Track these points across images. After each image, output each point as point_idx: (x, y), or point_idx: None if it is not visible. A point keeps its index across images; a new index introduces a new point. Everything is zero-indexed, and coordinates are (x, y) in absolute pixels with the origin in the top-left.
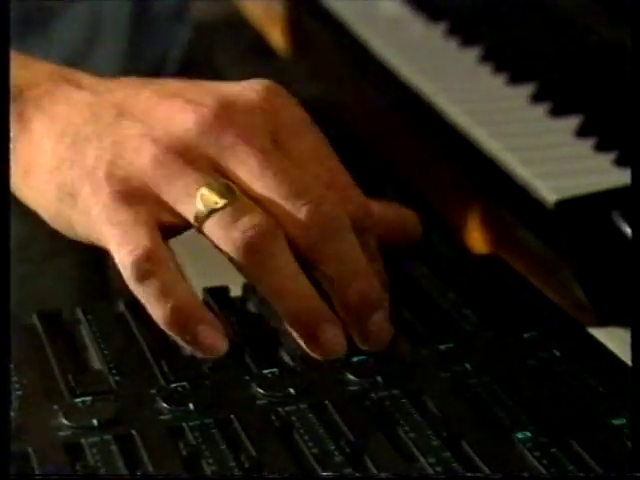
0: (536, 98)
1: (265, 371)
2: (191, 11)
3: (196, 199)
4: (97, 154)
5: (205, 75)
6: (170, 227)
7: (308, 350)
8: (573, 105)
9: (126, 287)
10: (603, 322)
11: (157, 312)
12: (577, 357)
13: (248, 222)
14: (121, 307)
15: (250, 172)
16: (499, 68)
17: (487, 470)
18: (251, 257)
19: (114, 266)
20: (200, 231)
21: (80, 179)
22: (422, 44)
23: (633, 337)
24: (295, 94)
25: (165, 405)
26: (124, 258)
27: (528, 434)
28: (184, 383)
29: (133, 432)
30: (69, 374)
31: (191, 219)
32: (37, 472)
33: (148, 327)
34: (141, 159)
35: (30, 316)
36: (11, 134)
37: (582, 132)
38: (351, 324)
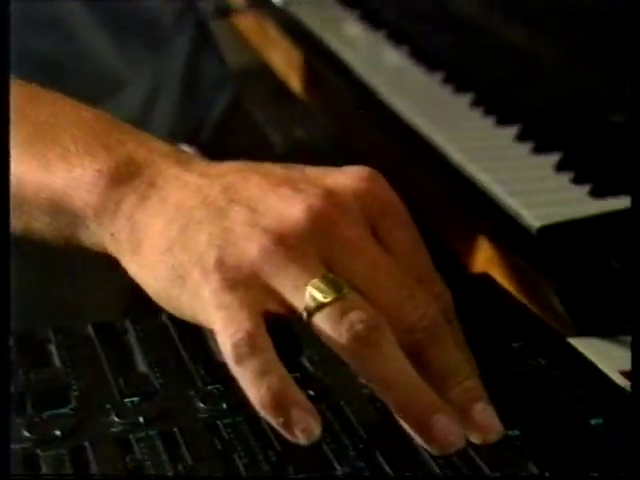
0: (521, 137)
1: None
2: (233, 79)
3: (305, 293)
4: (208, 239)
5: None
6: (276, 316)
7: (424, 444)
8: (553, 143)
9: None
10: (581, 333)
11: (253, 393)
12: (559, 364)
13: (356, 316)
14: (164, 318)
15: (358, 271)
16: (488, 111)
17: (484, 466)
18: (359, 350)
19: None
20: (309, 323)
21: (191, 263)
22: (421, 90)
23: (633, 340)
24: (311, 132)
25: (202, 405)
26: (226, 340)
27: (517, 432)
28: (219, 385)
29: (174, 429)
30: (119, 377)
31: (301, 311)
32: (92, 464)
33: (188, 336)
34: (251, 248)
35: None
36: (126, 208)
37: (561, 167)
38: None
